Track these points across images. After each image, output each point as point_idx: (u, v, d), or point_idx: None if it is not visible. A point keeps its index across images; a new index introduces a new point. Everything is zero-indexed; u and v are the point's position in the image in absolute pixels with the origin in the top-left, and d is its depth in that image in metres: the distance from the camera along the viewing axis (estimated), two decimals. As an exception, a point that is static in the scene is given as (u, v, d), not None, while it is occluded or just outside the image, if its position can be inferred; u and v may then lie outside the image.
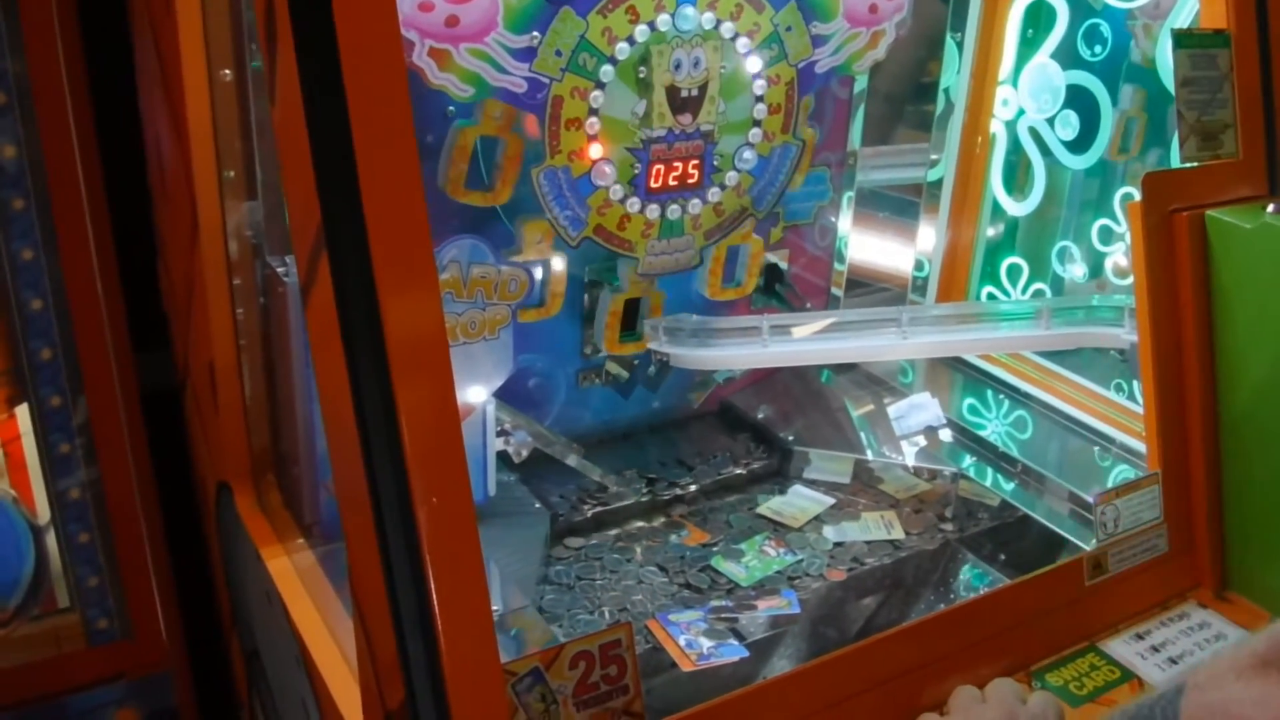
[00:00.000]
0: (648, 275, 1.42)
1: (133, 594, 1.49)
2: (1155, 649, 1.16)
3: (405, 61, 1.09)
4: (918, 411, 1.62)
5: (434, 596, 0.79)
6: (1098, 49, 1.56)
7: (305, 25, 0.75)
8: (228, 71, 1.15)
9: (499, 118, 1.24)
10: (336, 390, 0.79)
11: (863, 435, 1.60)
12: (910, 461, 1.53)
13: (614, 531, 1.42)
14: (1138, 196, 1.19)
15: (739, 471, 1.54)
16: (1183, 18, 1.41)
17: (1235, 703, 0.66)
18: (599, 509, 1.43)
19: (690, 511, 1.47)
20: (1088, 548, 1.19)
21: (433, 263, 0.79)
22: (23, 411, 1.40)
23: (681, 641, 1.21)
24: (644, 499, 1.46)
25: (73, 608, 1.47)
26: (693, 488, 1.49)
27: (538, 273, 1.35)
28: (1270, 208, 1.19)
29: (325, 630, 1.11)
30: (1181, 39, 1.20)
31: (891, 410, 1.63)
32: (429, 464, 0.78)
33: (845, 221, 1.68)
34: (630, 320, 1.46)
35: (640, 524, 1.44)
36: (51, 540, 1.44)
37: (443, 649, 0.79)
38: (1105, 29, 1.55)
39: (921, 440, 1.58)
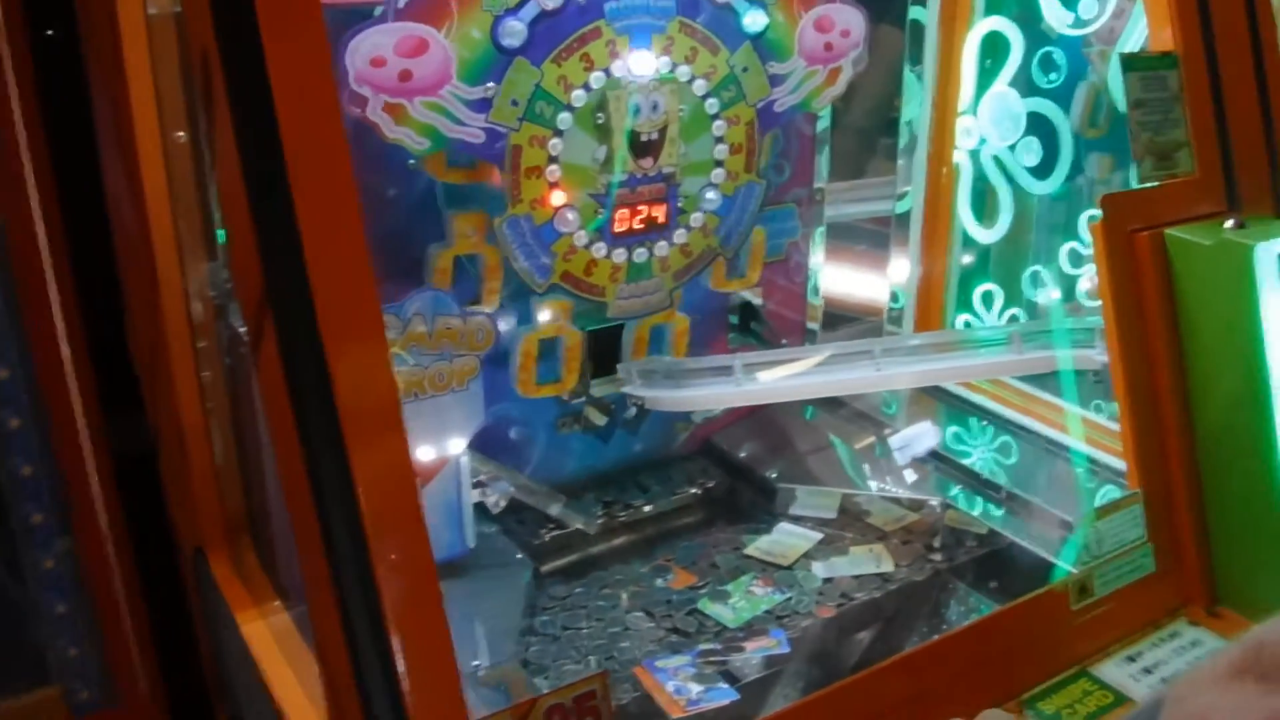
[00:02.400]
0: (618, 319, 1.42)
1: (114, 663, 1.47)
2: (1148, 670, 1.15)
3: (353, 116, 1.11)
4: (921, 439, 1.62)
5: (398, 658, 0.77)
6: (1054, 75, 1.57)
7: (241, 86, 0.75)
8: (182, 134, 1.15)
9: (472, 235, 1.26)
10: (288, 452, 0.78)
11: (848, 469, 1.59)
12: (897, 493, 1.52)
13: (596, 573, 1.41)
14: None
15: (694, 491, 1.54)
16: (1134, 42, 1.43)
17: (1213, 710, 0.65)
18: (576, 550, 1.43)
19: (676, 555, 1.45)
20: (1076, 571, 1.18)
21: (379, 314, 0.78)
22: (-8, 484, 1.39)
23: (670, 688, 1.20)
24: (617, 538, 1.45)
25: (53, 681, 1.45)
26: (647, 508, 1.49)
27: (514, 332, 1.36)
28: (1228, 224, 1.19)
29: (303, 696, 1.09)
30: (1130, 62, 1.21)
31: (894, 440, 1.62)
32: (386, 521, 0.77)
33: (818, 256, 1.68)
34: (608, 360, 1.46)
35: (624, 568, 1.42)
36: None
37: (409, 711, 0.78)
38: (1059, 55, 1.56)
39: (908, 472, 1.57)
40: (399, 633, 0.78)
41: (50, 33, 1.37)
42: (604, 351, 1.46)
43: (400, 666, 0.78)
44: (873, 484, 1.55)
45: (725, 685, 1.20)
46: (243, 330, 1.17)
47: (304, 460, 0.77)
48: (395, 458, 0.79)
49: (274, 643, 1.18)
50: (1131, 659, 1.16)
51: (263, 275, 0.75)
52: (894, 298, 1.79)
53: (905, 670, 1.07)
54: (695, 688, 1.19)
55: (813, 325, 1.72)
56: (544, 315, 1.37)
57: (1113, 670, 1.15)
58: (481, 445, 1.32)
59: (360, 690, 0.78)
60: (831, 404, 1.73)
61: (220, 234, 1.19)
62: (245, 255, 0.77)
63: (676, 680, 1.21)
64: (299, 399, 0.76)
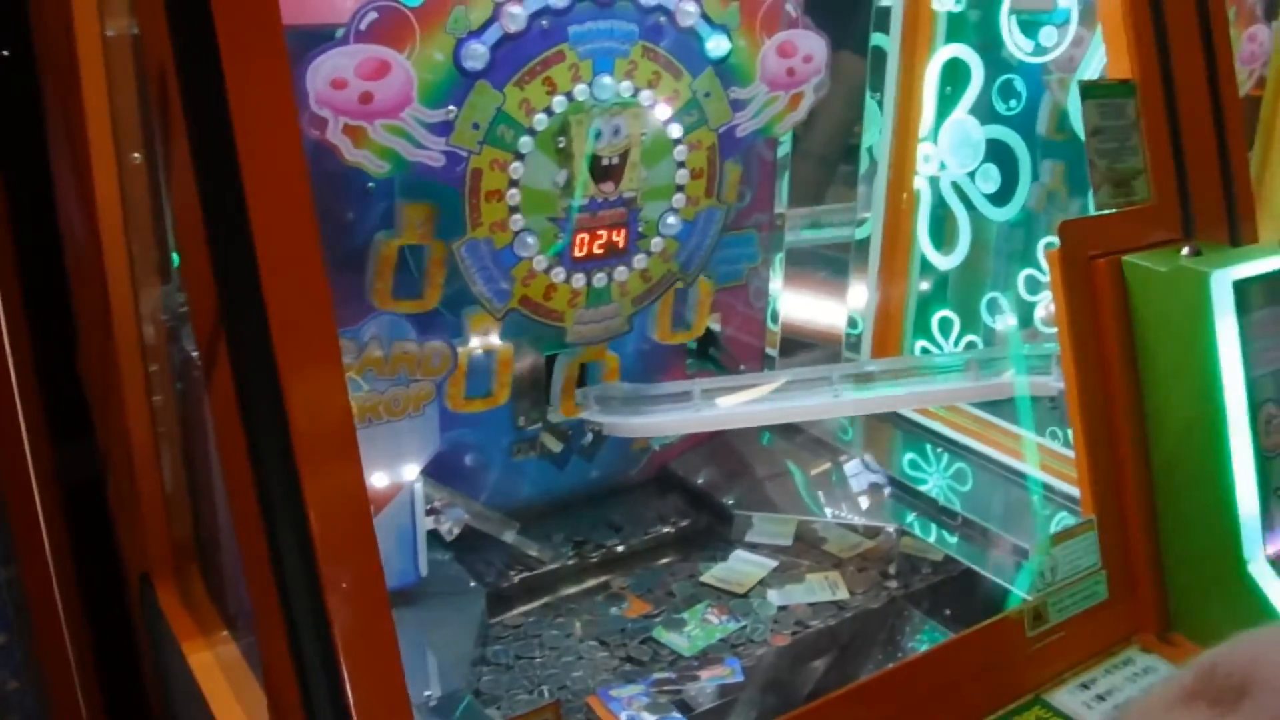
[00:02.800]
0: (576, 344, 1.41)
1: (56, 696, 1.43)
2: (1101, 698, 1.15)
3: (313, 138, 1.09)
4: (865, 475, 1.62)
5: (348, 688, 0.76)
6: (1013, 103, 1.59)
7: (198, 106, 0.74)
8: (137, 155, 1.14)
9: (420, 225, 1.24)
10: (239, 477, 0.77)
11: (804, 496, 1.59)
12: (852, 520, 1.52)
13: (549, 600, 1.40)
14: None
15: (667, 530, 1.52)
16: (1092, 70, 1.45)
17: None
18: (525, 574, 1.41)
19: (630, 583, 1.44)
20: (1029, 598, 1.18)
21: (336, 340, 0.77)
22: (-66, 512, 1.35)
23: (623, 718, 1.18)
24: (570, 562, 1.43)
25: (-8, 713, 1.42)
26: (620, 549, 1.47)
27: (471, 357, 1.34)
28: (1185, 251, 1.21)
29: (249, 725, 1.07)
30: (1089, 90, 1.23)
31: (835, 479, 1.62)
32: (338, 549, 0.75)
33: (777, 282, 1.68)
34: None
35: (579, 595, 1.41)
36: (-31, 644, 1.39)
37: (360, 742, 0.76)
38: (1019, 83, 1.58)
39: (864, 499, 1.57)
40: (350, 662, 0.76)
41: (4, 53, 1.35)
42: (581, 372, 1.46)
43: (350, 697, 0.76)
44: (829, 511, 1.54)
45: (679, 715, 1.19)
46: (195, 354, 1.15)
47: (255, 485, 0.75)
48: (348, 484, 0.77)
49: (221, 673, 1.15)
50: (1085, 686, 1.17)
51: (217, 298, 0.74)
52: (852, 323, 1.80)
53: (861, 699, 1.06)
54: (649, 717, 1.18)
55: (771, 351, 1.72)
56: (471, 327, 1.35)
57: (1066, 698, 1.15)
58: (435, 471, 1.31)
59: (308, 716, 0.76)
60: (788, 430, 1.73)
61: (175, 256, 1.17)
62: (199, 278, 0.76)
63: (630, 710, 1.20)
64: (251, 423, 0.75)
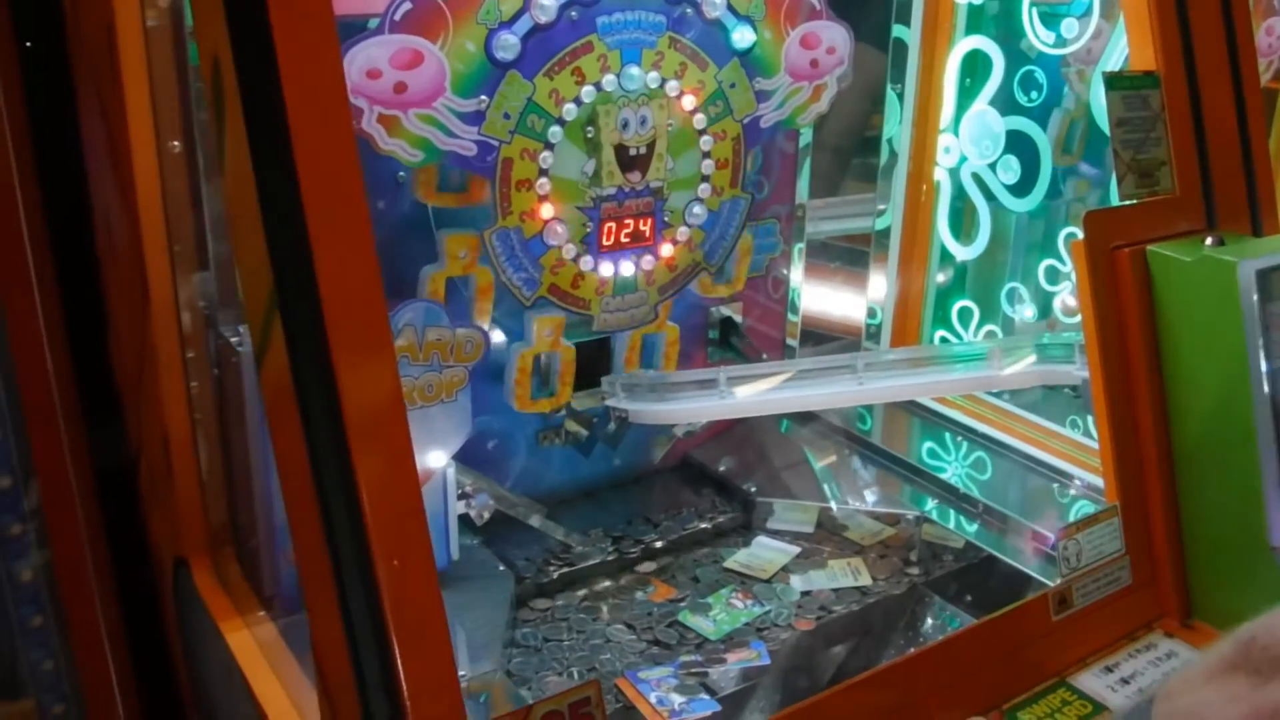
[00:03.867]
0: (603, 332, 1.43)
1: (89, 677, 1.45)
2: (1125, 681, 1.16)
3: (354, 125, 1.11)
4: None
5: (398, 661, 0.77)
6: (1034, 94, 1.60)
7: (253, 90, 0.76)
8: (176, 143, 1.15)
9: (464, 257, 1.27)
10: (293, 456, 0.79)
11: (824, 484, 1.61)
12: (873, 507, 1.53)
13: (580, 591, 1.41)
14: (1081, 236, 1.22)
15: (704, 526, 1.53)
16: (1113, 61, 1.46)
17: (1205, 705, 0.67)
18: (565, 569, 1.42)
19: (658, 568, 1.46)
20: (1052, 584, 1.20)
21: (386, 320, 0.79)
22: (-29, 495, 1.37)
23: (652, 699, 1.20)
24: (610, 558, 1.45)
25: (28, 694, 1.43)
26: (658, 544, 1.48)
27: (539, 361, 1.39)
28: (1208, 241, 1.22)
29: (288, 702, 1.09)
30: (1113, 81, 1.24)
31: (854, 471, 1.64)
32: (389, 526, 0.77)
33: (797, 273, 1.70)
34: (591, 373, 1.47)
35: (607, 583, 1.43)
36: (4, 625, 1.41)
37: (408, 714, 0.78)
38: (1040, 75, 1.59)
39: (883, 488, 1.59)
40: (399, 634, 0.78)
41: (31, 44, 1.37)
42: (587, 365, 1.46)
43: (400, 667, 0.78)
44: (849, 499, 1.56)
45: (706, 696, 1.20)
46: (234, 340, 1.17)
47: (308, 462, 0.77)
48: (398, 459, 0.79)
49: (258, 651, 1.17)
50: (1109, 669, 1.18)
51: (272, 279, 0.75)
52: (871, 314, 1.81)
53: (890, 681, 1.08)
54: (678, 699, 1.20)
55: (791, 342, 1.74)
56: (537, 330, 1.38)
57: (1091, 681, 1.17)
58: (462, 458, 1.32)
59: (359, 689, 0.78)
60: (808, 419, 1.75)
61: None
62: (254, 258, 0.77)
63: (659, 691, 1.21)
64: (305, 403, 0.76)
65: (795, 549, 1.49)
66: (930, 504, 1.55)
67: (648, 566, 1.46)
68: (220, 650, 1.20)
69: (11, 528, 1.39)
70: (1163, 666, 1.19)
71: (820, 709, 1.03)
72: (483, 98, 1.21)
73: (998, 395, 1.69)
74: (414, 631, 0.78)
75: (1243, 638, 0.68)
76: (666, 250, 1.42)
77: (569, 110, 1.28)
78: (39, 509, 1.40)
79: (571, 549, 1.44)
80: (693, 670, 1.25)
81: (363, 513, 0.77)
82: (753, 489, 1.58)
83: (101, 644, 1.46)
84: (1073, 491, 1.53)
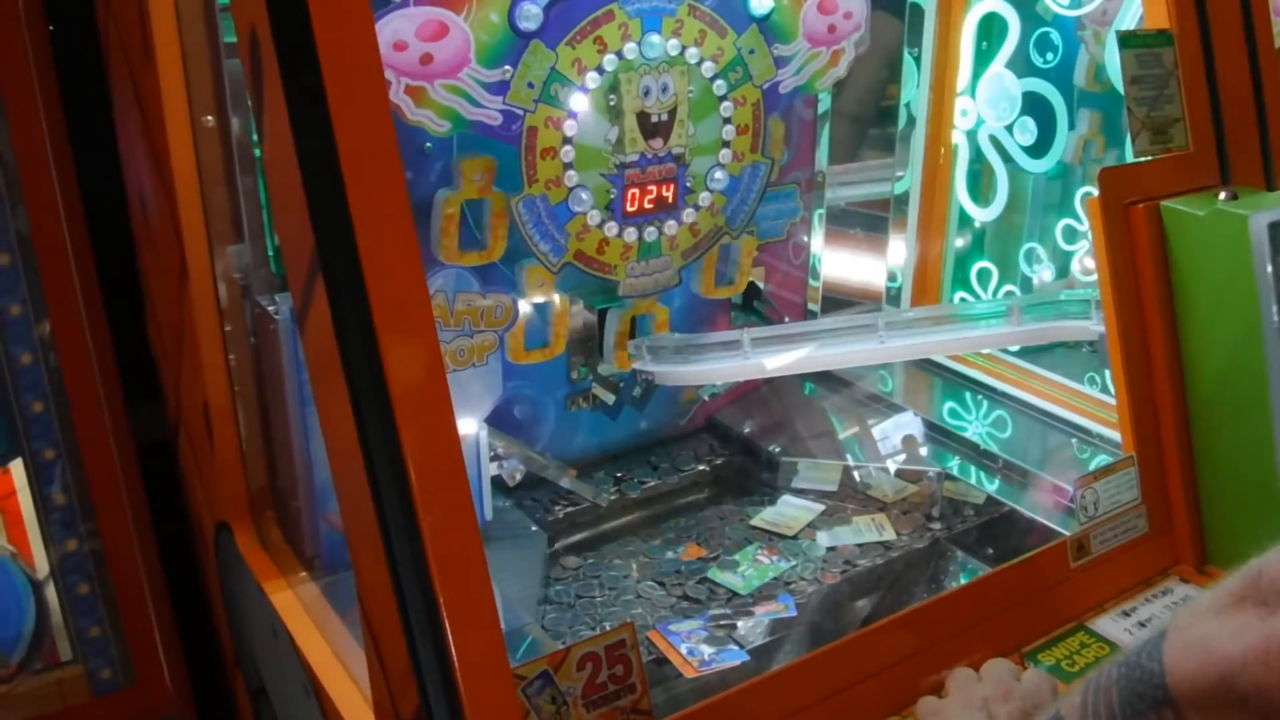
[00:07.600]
0: (629, 297, 1.46)
1: (135, 642, 1.50)
2: (1142, 624, 1.19)
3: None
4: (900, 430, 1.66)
5: (443, 606, 0.81)
6: (1050, 56, 1.61)
7: (291, 62, 0.79)
8: (210, 117, 1.18)
9: (479, 179, 1.28)
10: (338, 417, 0.82)
11: (847, 443, 1.63)
12: (895, 465, 1.56)
13: (607, 545, 1.45)
14: (1097, 194, 1.24)
15: (702, 468, 1.58)
16: (1129, 21, 1.47)
17: (1214, 637, 0.69)
18: (588, 520, 1.47)
19: (683, 528, 1.49)
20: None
21: (424, 282, 0.82)
22: (17, 466, 1.42)
23: (683, 650, 1.24)
24: (613, 496, 1.50)
25: (76, 659, 1.48)
26: (652, 482, 1.53)
27: (529, 310, 1.39)
28: (1221, 195, 1.24)
29: (333, 657, 1.13)
30: (1127, 40, 1.25)
31: (876, 431, 1.66)
32: (433, 481, 0.81)
33: (818, 239, 1.72)
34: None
35: (635, 541, 1.47)
36: (51, 593, 1.45)
37: (454, 655, 0.81)
38: (1056, 37, 1.60)
39: (905, 446, 1.61)
40: (445, 585, 0.81)
41: (63, 23, 1.40)
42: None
43: (445, 616, 0.81)
44: (871, 458, 1.58)
45: (736, 647, 1.24)
46: (271, 309, 1.20)
47: (353, 423, 0.80)
48: (440, 420, 0.82)
49: (302, 609, 1.21)
50: (1126, 614, 1.21)
51: (315, 245, 0.79)
52: (891, 277, 1.84)
53: (912, 624, 1.11)
54: (707, 649, 1.23)
55: (813, 306, 1.76)
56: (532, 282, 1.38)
57: (1108, 624, 1.19)
58: (493, 421, 1.36)
59: (406, 634, 0.82)
60: (830, 380, 1.78)
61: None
62: (295, 226, 0.81)
63: (689, 643, 1.25)
64: (349, 362, 0.80)
65: (820, 506, 1.52)
66: (952, 461, 1.58)
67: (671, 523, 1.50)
68: (264, 609, 1.24)
69: (56, 498, 1.44)
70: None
71: (846, 651, 1.07)
72: (507, 68, 1.24)
73: (1018, 354, 1.71)
74: (458, 578, 0.82)
75: (1250, 571, 0.71)
76: (689, 215, 1.44)
77: (591, 78, 1.30)
78: (82, 477, 1.44)
79: (600, 509, 1.48)
80: (722, 622, 1.28)
81: (407, 469, 0.80)
82: (777, 449, 1.61)
83: (146, 608, 1.51)
84: (1091, 447, 1.55)
